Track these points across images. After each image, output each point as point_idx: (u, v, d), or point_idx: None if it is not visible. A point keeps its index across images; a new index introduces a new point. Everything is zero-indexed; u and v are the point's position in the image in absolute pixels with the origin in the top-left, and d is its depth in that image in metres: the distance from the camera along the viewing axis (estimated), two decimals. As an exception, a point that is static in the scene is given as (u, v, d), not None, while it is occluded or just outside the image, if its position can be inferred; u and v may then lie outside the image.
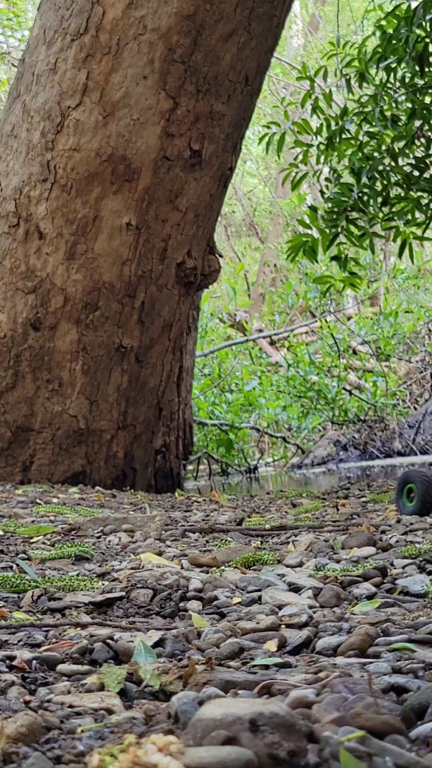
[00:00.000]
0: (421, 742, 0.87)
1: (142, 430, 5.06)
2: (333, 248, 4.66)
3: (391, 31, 4.18)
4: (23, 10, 13.24)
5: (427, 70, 4.15)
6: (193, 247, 5.02)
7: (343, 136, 4.49)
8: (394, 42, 4.13)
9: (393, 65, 4.25)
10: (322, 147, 4.59)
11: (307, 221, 4.65)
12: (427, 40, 4.04)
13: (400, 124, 4.39)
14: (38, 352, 4.74)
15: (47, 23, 4.81)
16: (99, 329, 4.78)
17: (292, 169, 4.65)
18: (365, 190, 4.38)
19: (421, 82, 4.26)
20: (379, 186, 4.45)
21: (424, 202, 4.51)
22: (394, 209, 4.52)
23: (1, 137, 4.98)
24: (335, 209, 4.48)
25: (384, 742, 0.83)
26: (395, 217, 4.51)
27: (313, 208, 4.63)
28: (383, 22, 4.26)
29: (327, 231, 4.55)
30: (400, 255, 4.68)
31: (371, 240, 4.62)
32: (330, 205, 4.49)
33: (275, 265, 18.35)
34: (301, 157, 4.68)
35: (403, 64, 4.21)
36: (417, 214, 4.58)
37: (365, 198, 4.42)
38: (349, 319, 12.70)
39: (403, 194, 4.48)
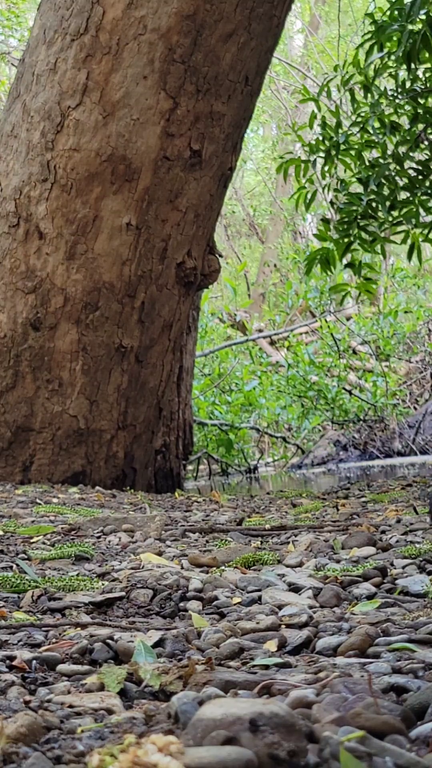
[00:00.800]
0: (421, 742, 0.87)
1: (142, 430, 5.06)
2: (347, 255, 4.71)
3: (385, 18, 4.19)
4: (23, 10, 13.24)
5: (413, 67, 4.16)
6: (193, 247, 5.02)
7: (342, 147, 4.52)
8: (388, 32, 4.13)
9: (391, 67, 4.27)
10: (321, 160, 4.62)
11: (320, 234, 4.70)
12: (417, 37, 4.04)
13: (401, 130, 4.41)
14: (38, 352, 4.74)
15: (47, 23, 4.81)
16: (99, 329, 4.78)
17: (302, 192, 4.68)
18: (374, 197, 4.40)
19: (422, 87, 4.27)
20: (386, 190, 4.47)
21: (430, 204, 4.53)
22: (401, 213, 4.55)
23: (1, 137, 4.98)
24: (346, 219, 4.50)
25: (384, 742, 0.83)
26: (403, 221, 4.54)
27: (325, 220, 4.67)
28: (376, 13, 4.30)
29: (341, 241, 4.59)
30: (409, 258, 4.71)
31: (383, 246, 4.66)
32: (340, 216, 4.52)
33: (275, 266, 18.35)
34: (302, 171, 4.71)
35: (393, 61, 4.22)
36: (423, 216, 4.61)
37: (374, 204, 4.44)
38: (348, 319, 12.71)
39: (409, 196, 4.50)
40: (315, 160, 4.63)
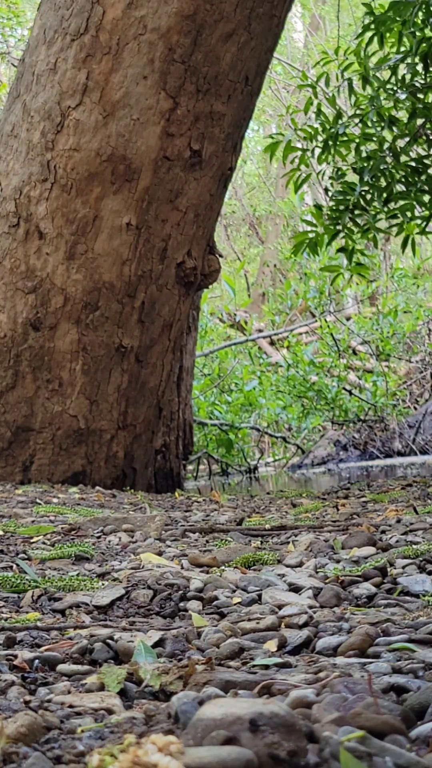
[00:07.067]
0: (421, 742, 0.87)
1: (142, 430, 5.06)
2: (340, 241, 4.71)
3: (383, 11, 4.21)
4: (23, 10, 13.23)
5: (429, 69, 4.17)
6: (193, 247, 5.02)
7: (341, 139, 4.53)
8: (387, 23, 4.15)
9: (395, 65, 4.27)
10: (318, 150, 4.63)
11: (310, 219, 4.69)
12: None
13: (399, 124, 4.41)
14: (38, 352, 4.74)
15: (47, 23, 4.81)
16: (99, 329, 4.78)
17: (294, 173, 4.68)
18: (368, 189, 4.41)
19: (422, 82, 4.28)
20: (383, 182, 4.47)
21: (426, 198, 4.53)
22: (396, 206, 4.56)
23: (1, 137, 4.98)
24: (338, 207, 4.51)
25: (384, 742, 0.83)
26: (398, 214, 4.55)
27: (317, 206, 4.68)
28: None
29: (331, 227, 4.60)
30: (403, 250, 4.73)
31: (375, 235, 4.67)
32: (333, 203, 4.53)
33: (275, 266, 18.35)
34: (298, 161, 4.71)
35: (407, 61, 4.23)
36: (418, 210, 4.62)
37: (368, 196, 4.46)
38: (348, 319, 12.70)
39: (405, 190, 4.51)
40: (313, 149, 4.65)
